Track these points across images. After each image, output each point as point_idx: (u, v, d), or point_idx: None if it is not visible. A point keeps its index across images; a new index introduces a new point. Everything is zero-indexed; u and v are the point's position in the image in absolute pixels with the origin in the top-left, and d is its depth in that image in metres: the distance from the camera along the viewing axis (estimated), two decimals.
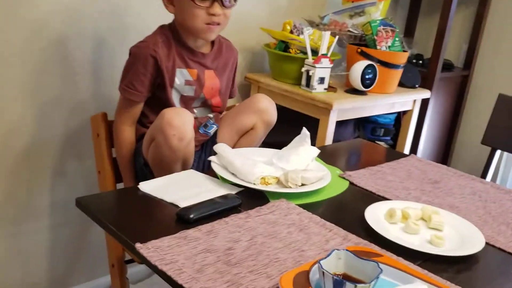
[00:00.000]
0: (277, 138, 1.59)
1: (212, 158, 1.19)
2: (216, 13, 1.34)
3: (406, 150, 2.38)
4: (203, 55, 1.45)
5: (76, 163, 1.73)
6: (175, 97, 1.41)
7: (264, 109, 1.45)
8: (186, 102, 1.44)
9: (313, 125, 1.91)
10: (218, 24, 1.37)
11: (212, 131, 1.48)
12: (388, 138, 2.37)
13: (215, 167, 1.15)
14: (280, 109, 2.10)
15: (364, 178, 1.29)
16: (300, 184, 1.11)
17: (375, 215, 1.03)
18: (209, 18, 1.34)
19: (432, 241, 0.96)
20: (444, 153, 2.93)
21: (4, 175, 1.57)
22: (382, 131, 2.32)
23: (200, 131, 1.45)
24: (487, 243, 1.00)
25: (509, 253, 0.98)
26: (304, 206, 1.05)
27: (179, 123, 1.21)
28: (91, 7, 1.61)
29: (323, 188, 1.14)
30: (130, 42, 1.41)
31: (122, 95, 1.38)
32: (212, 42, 1.48)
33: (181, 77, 1.40)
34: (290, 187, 1.10)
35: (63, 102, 1.63)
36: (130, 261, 1.48)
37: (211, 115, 1.49)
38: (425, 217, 1.06)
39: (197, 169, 1.40)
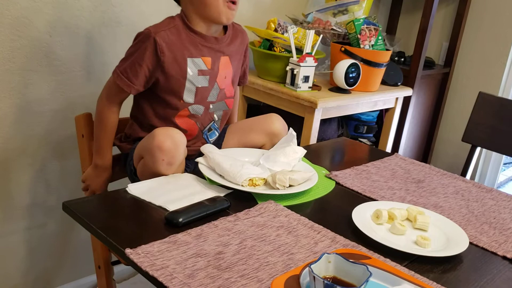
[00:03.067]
0: None
1: (199, 159, 1.19)
2: None
3: (388, 147, 2.41)
4: (217, 40, 1.35)
5: (58, 163, 1.71)
6: (188, 91, 1.32)
7: (277, 133, 1.41)
8: (202, 95, 1.35)
9: (298, 123, 1.92)
10: (236, 4, 1.30)
11: (213, 139, 1.44)
12: (371, 135, 2.40)
13: (202, 168, 1.15)
14: (265, 107, 2.12)
15: (350, 178, 1.30)
16: (287, 186, 1.11)
17: (362, 216, 1.04)
18: None
19: (418, 242, 0.98)
20: (425, 150, 2.98)
21: None
22: (365, 129, 2.34)
23: (203, 136, 1.41)
24: (470, 243, 1.02)
25: (492, 252, 1.01)
26: (292, 208, 1.06)
27: (170, 147, 1.13)
28: (76, 1, 1.58)
29: (310, 188, 1.15)
30: (122, 38, 1.36)
31: (114, 78, 1.29)
32: (225, 26, 1.40)
33: (194, 66, 1.31)
34: (278, 189, 1.11)
35: (48, 101, 1.61)
36: (116, 262, 1.47)
37: (216, 118, 1.42)
38: (410, 217, 1.08)
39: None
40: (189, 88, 1.32)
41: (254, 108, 2.17)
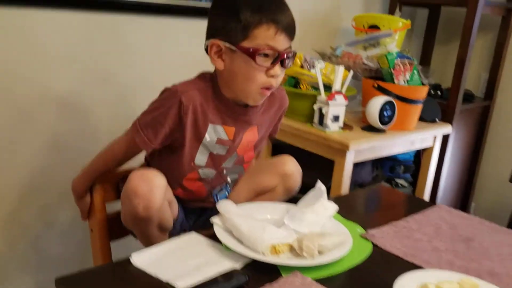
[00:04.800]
0: None
1: (214, 219, 1.05)
2: (275, 74, 1.12)
3: (427, 187, 2.22)
4: (247, 111, 1.21)
5: (69, 213, 1.60)
6: (201, 154, 1.21)
7: (290, 174, 1.30)
8: (215, 160, 1.24)
9: (328, 166, 1.77)
10: (271, 90, 1.16)
11: (222, 199, 1.31)
12: (408, 175, 2.22)
13: (218, 231, 1.01)
14: (291, 149, 1.97)
15: (389, 237, 1.13)
16: (316, 254, 0.96)
17: None
18: (267, 81, 1.12)
19: None
20: (466, 189, 2.77)
21: None
22: (401, 169, 2.17)
23: (213, 196, 1.29)
24: None
25: None
26: (323, 281, 0.90)
27: (144, 190, 1.06)
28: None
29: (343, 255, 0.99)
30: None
31: (132, 131, 1.19)
32: None
33: (214, 134, 1.19)
34: (305, 257, 0.95)
35: (61, 148, 1.52)
36: None
37: (230, 181, 1.31)
38: None
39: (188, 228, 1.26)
40: (203, 151, 1.20)
41: (280, 149, 2.02)
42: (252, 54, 1.08)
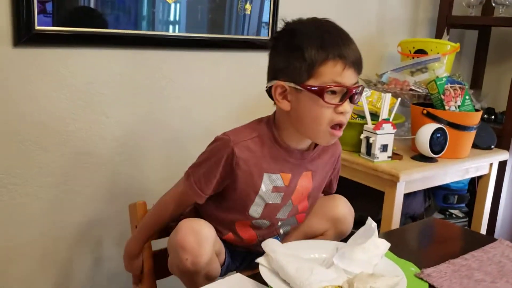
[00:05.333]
0: None
1: (260, 260, 1.00)
2: (345, 111, 1.06)
3: (485, 218, 2.10)
4: (303, 154, 1.16)
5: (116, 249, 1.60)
6: (256, 205, 1.16)
7: (342, 218, 1.24)
8: (270, 212, 1.18)
9: (377, 198, 1.70)
10: (342, 125, 1.10)
11: None
12: (463, 205, 2.11)
13: (263, 272, 0.97)
14: (340, 179, 1.91)
15: (447, 278, 1.05)
16: None
17: None
18: (336, 118, 1.06)
19: None
20: None
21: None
22: (455, 198, 2.07)
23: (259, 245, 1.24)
24: None
25: None
26: None
27: (193, 244, 1.04)
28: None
29: None
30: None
31: (185, 185, 1.16)
32: None
33: (269, 183, 1.14)
34: None
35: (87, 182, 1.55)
36: None
37: (282, 232, 1.26)
38: None
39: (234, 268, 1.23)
40: (258, 203, 1.16)
41: None
42: (319, 92, 1.03)
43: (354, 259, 1.02)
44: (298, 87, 1.05)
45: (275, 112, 1.15)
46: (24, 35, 1.35)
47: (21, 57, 1.37)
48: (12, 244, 1.46)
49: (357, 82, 1.08)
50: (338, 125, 1.08)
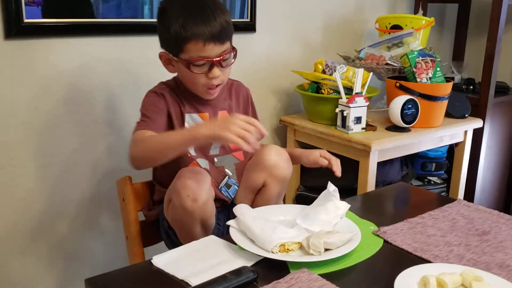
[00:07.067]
0: (318, 183, 1.51)
1: (231, 222, 1.12)
2: (215, 76, 1.27)
3: (462, 184, 2.20)
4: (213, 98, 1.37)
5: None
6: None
7: (273, 165, 1.32)
8: (202, 149, 1.35)
9: (355, 167, 1.81)
10: (218, 85, 1.31)
11: (235, 195, 1.39)
12: (442, 172, 2.22)
13: (233, 233, 1.09)
14: None
15: (401, 234, 1.17)
16: (323, 251, 1.02)
17: (407, 285, 0.92)
18: (209, 82, 1.28)
19: None
20: (508, 188, 2.70)
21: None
22: (433, 166, 2.17)
23: (222, 191, 1.38)
24: None
25: None
26: (329, 276, 0.96)
27: (193, 183, 1.17)
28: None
29: (351, 251, 1.04)
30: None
31: (137, 127, 1.28)
32: None
33: (192, 122, 1.34)
34: (313, 254, 1.01)
35: (80, 161, 1.66)
36: None
37: (230, 172, 1.39)
38: (466, 283, 0.93)
39: (221, 232, 1.34)
40: None
41: None
42: (187, 65, 1.25)
43: (316, 219, 1.14)
44: (175, 59, 1.27)
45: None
46: (14, 27, 1.45)
47: (12, 49, 1.48)
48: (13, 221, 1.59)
49: (227, 50, 1.26)
50: (209, 89, 1.29)
